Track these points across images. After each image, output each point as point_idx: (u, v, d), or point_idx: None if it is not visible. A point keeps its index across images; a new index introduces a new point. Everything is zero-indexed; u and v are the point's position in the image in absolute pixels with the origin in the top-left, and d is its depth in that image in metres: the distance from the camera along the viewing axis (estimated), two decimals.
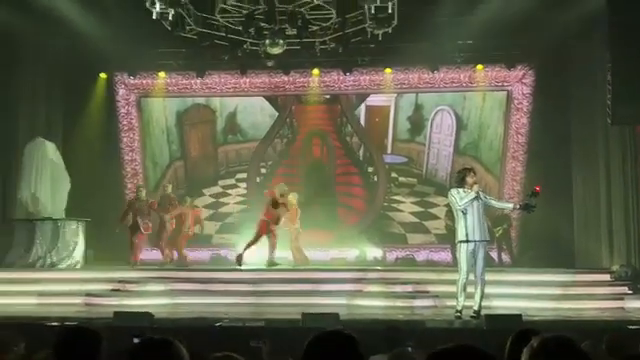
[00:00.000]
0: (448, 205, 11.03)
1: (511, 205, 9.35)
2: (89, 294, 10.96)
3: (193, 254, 16.35)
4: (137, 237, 14.06)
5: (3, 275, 12.17)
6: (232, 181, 17.61)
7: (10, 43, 14.27)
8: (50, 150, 14.00)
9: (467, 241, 8.54)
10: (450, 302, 9.38)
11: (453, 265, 11.20)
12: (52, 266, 13.18)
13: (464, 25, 14.72)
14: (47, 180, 13.76)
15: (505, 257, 15.35)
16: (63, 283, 11.77)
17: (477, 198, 8.53)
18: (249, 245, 13.41)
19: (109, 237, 14.92)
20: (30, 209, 13.69)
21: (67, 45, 15.51)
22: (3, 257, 13.46)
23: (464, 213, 8.54)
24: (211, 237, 17.27)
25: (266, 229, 13.39)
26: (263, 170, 17.61)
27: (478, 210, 8.54)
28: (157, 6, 12.37)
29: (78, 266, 13.69)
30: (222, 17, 13.35)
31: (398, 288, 11.18)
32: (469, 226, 8.52)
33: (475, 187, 8.55)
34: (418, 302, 10.40)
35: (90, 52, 15.39)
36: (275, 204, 13.48)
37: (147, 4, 12.47)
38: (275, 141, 17.59)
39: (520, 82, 16.35)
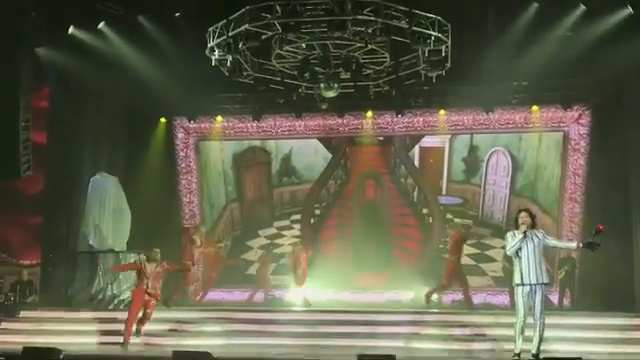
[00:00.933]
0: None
1: (574, 244, 9.13)
2: (148, 334, 11.14)
3: (248, 294, 16.52)
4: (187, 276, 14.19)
5: (65, 314, 12.51)
6: (287, 222, 17.77)
7: (76, 87, 14.86)
8: (112, 184, 14.41)
9: (522, 284, 8.44)
10: (508, 345, 9.23)
11: (511, 308, 11.05)
12: (113, 298, 13.44)
13: (518, 66, 14.74)
14: (110, 213, 14.17)
15: (565, 300, 15.01)
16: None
17: (526, 239, 8.40)
18: None
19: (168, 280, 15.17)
20: (93, 242, 14.07)
21: (129, 90, 16.10)
22: (66, 289, 13.84)
23: (518, 255, 8.47)
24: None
25: None
26: (317, 211, 17.73)
27: (533, 252, 8.42)
28: (216, 53, 12.79)
29: None
30: (278, 62, 13.69)
31: (455, 331, 11.06)
32: (524, 268, 8.42)
33: (522, 227, 8.47)
34: (476, 345, 10.28)
35: (151, 97, 15.95)
36: None
37: (206, 51, 12.89)
38: (329, 183, 17.72)
39: (577, 122, 16.17)
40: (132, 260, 13.39)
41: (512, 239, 8.47)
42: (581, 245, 8.74)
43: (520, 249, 8.42)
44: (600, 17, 13.00)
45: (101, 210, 14.05)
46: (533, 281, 8.37)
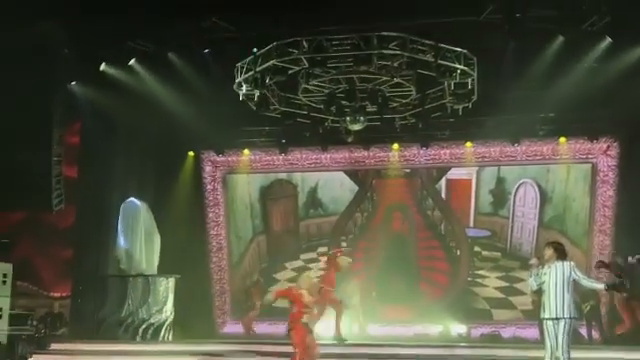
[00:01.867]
0: None
1: (601, 286, 8.94)
2: None
3: (275, 328, 16.49)
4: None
5: (94, 347, 12.59)
6: (314, 255, 17.77)
7: (107, 123, 15.15)
8: (143, 209, 14.58)
9: (545, 318, 8.38)
10: None
11: (541, 342, 10.90)
12: (143, 322, 13.53)
13: (545, 98, 14.77)
14: (141, 237, 14.31)
15: (595, 334, 14.77)
16: (152, 356, 12.05)
17: (550, 274, 8.31)
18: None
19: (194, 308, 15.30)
20: (124, 265, 14.22)
21: (159, 125, 16.36)
22: (97, 313, 13.98)
23: (542, 289, 8.41)
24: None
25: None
26: (344, 244, 17.68)
27: (555, 285, 8.29)
28: (244, 88, 12.99)
29: (169, 320, 14.02)
30: (305, 96, 13.84)
31: None
32: (546, 302, 8.32)
33: (533, 261, 8.42)
34: None
35: (179, 132, 16.22)
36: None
37: (234, 86, 13.09)
38: (356, 215, 17.74)
39: (605, 154, 16.07)
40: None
41: (535, 274, 8.44)
42: (607, 287, 8.61)
43: (543, 282, 8.35)
44: (626, 49, 12.99)
45: (132, 234, 14.22)
46: (554, 315, 8.25)
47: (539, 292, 8.75)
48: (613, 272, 8.69)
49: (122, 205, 14.59)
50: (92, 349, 12.47)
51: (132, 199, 14.65)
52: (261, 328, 16.95)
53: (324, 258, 13.62)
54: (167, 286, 14.16)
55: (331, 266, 12.89)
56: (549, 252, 8.42)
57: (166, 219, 15.75)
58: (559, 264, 8.33)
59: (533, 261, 8.41)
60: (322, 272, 13.21)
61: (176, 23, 13.46)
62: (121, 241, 14.26)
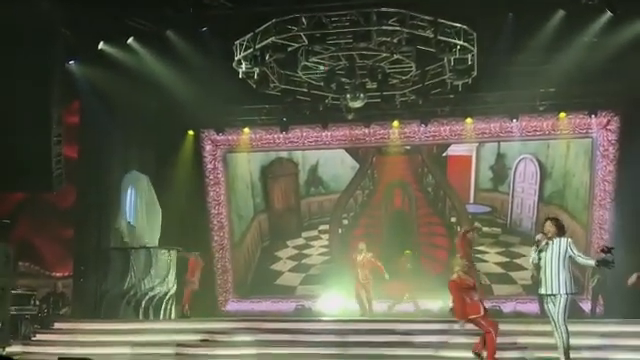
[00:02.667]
0: None
1: (592, 262, 8.93)
2: (180, 344, 11.26)
3: (277, 305, 16.62)
4: None
5: (97, 326, 12.70)
6: (315, 233, 17.85)
7: (106, 102, 15.10)
8: (144, 182, 14.61)
9: (541, 294, 8.47)
10: (538, 353, 9.19)
11: (541, 316, 10.99)
12: (145, 294, 13.66)
13: (545, 73, 14.72)
14: (143, 210, 14.38)
15: (598, 308, 14.86)
16: (155, 334, 12.14)
17: (547, 249, 8.34)
18: None
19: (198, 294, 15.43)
20: (126, 238, 14.32)
21: (158, 104, 16.35)
22: (99, 286, 14.08)
23: (540, 265, 8.44)
24: (295, 289, 17.47)
25: None
26: (345, 222, 17.78)
27: (551, 261, 8.32)
28: (243, 66, 12.95)
29: (172, 292, 14.13)
30: (304, 74, 13.80)
31: None
32: (542, 278, 8.40)
33: (544, 237, 8.41)
34: (506, 354, 10.20)
35: (179, 110, 16.21)
36: None
37: (233, 64, 13.05)
38: (356, 192, 17.77)
39: (605, 129, 16.06)
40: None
41: (533, 250, 8.47)
42: (596, 264, 8.64)
43: (540, 259, 8.39)
44: (627, 23, 12.92)
45: (135, 206, 14.30)
46: (550, 291, 8.33)
47: (537, 267, 8.79)
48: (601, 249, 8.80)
49: (124, 178, 14.62)
50: (95, 328, 12.58)
51: (134, 171, 14.67)
52: (264, 306, 17.09)
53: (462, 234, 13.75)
54: (169, 258, 14.23)
55: (465, 242, 13.30)
56: (553, 228, 8.45)
57: (167, 198, 15.78)
58: (556, 240, 8.38)
59: (539, 236, 8.44)
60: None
61: (174, 1, 13.37)
62: (124, 213, 14.30)
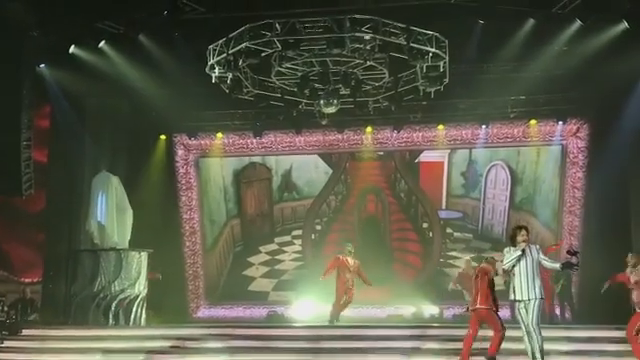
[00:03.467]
0: None
1: (558, 265, 9.08)
2: (150, 351, 11.15)
3: (249, 311, 16.56)
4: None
5: (66, 332, 12.52)
6: (288, 238, 17.83)
7: (77, 106, 14.98)
8: (114, 182, 14.46)
9: (515, 300, 8.55)
10: (510, 359, 9.24)
11: (512, 322, 11.07)
12: (115, 296, 13.50)
13: (515, 81, 14.90)
14: (112, 211, 14.21)
15: (567, 313, 15.03)
16: (125, 340, 12.01)
17: (523, 256, 8.47)
18: None
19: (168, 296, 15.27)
20: (96, 240, 14.13)
21: (130, 108, 16.22)
22: (69, 288, 13.90)
23: (513, 272, 8.54)
24: (267, 294, 17.43)
25: None
26: (318, 227, 17.79)
27: (526, 268, 8.47)
28: (216, 70, 12.89)
29: (142, 294, 13.99)
30: (278, 79, 13.79)
31: (456, 345, 11.05)
32: (516, 285, 8.51)
33: (520, 245, 8.53)
34: (477, 359, 10.26)
35: (151, 115, 16.11)
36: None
37: (206, 69, 13.00)
38: (330, 198, 17.81)
39: (575, 136, 16.29)
40: None
41: (509, 255, 8.53)
42: (561, 267, 8.78)
43: (514, 266, 8.50)
44: (596, 32, 13.11)
45: (105, 206, 14.12)
46: (525, 297, 8.45)
47: (509, 274, 8.88)
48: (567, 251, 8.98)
49: (94, 178, 14.46)
50: (64, 334, 12.40)
51: (104, 171, 14.51)
52: (236, 312, 17.04)
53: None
54: (140, 260, 14.09)
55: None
56: (524, 236, 8.57)
57: (138, 203, 15.64)
58: (527, 247, 8.50)
59: (524, 245, 8.52)
60: None
61: (147, 4, 13.29)
62: (94, 213, 14.13)
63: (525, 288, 8.43)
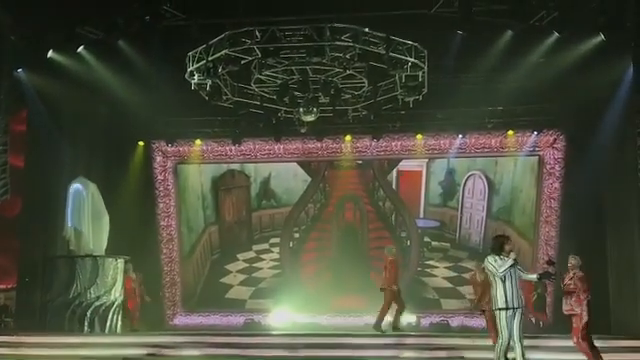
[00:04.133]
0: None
1: (534, 276, 9.16)
2: (126, 358, 11.06)
3: (227, 319, 16.50)
4: None
5: (42, 339, 12.37)
6: (266, 246, 17.80)
7: (55, 111, 14.85)
8: (91, 188, 14.33)
9: (507, 308, 8.58)
10: None
11: (488, 331, 11.15)
12: (91, 303, 13.36)
13: (493, 92, 15.04)
14: (89, 217, 14.07)
15: (541, 322, 15.15)
16: (101, 347, 11.90)
17: (514, 265, 8.58)
18: None
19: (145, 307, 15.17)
20: (72, 246, 13.98)
21: (108, 114, 16.13)
22: (45, 294, 13.74)
23: (502, 280, 8.59)
24: (245, 302, 17.37)
25: None
26: (296, 235, 17.78)
27: (514, 277, 8.58)
28: (195, 77, 12.88)
29: (118, 301, 13.87)
30: (258, 87, 13.81)
31: (433, 354, 11.10)
32: (508, 293, 8.55)
33: (512, 255, 8.61)
34: None
35: (129, 121, 16.02)
36: None
37: (186, 75, 12.97)
38: (308, 206, 17.81)
39: (551, 147, 16.46)
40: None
41: (502, 263, 8.56)
42: (538, 277, 8.87)
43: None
44: (573, 44, 13.28)
45: (80, 213, 13.98)
46: (516, 305, 8.51)
47: (485, 284, 8.94)
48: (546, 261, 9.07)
49: (71, 185, 14.33)
50: (39, 341, 12.25)
51: (81, 177, 14.39)
52: (213, 320, 16.96)
53: None
54: (116, 267, 13.97)
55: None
56: (511, 245, 8.66)
57: (115, 209, 15.52)
58: (514, 258, 8.58)
59: (514, 255, 8.60)
60: None
61: (126, 10, 13.24)
62: (69, 220, 14.00)
63: (516, 296, 8.52)
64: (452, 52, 13.81)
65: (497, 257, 8.65)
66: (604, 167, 15.00)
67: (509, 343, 8.58)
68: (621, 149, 14.00)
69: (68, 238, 14.03)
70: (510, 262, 8.54)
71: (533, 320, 14.88)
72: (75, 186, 14.27)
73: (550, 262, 8.77)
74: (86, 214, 14.05)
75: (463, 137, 16.58)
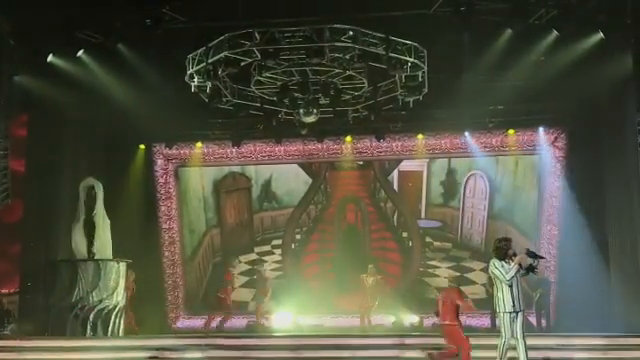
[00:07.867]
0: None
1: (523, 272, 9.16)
2: None
3: (229, 321, 16.44)
4: None
5: (44, 343, 12.38)
6: (268, 248, 17.80)
7: (55, 115, 14.87)
8: (101, 188, 14.26)
9: (514, 311, 8.61)
10: None
11: (491, 330, 11.14)
12: (94, 307, 13.34)
13: (494, 91, 15.02)
14: (100, 218, 14.05)
15: (543, 321, 15.12)
16: (103, 351, 11.90)
17: (519, 270, 8.60)
18: None
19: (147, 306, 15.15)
20: (76, 250, 13.95)
21: (108, 117, 16.14)
22: (47, 299, 13.74)
23: (509, 285, 8.62)
24: (247, 304, 17.34)
25: None
26: (298, 236, 17.78)
27: (518, 280, 8.64)
28: (195, 80, 12.87)
29: (120, 305, 13.84)
30: (257, 89, 13.79)
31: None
32: (515, 296, 8.60)
33: (517, 259, 8.62)
34: None
35: (130, 124, 16.01)
36: None
37: (186, 78, 12.97)
38: (310, 207, 17.80)
39: (552, 146, 16.43)
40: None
41: (508, 269, 8.57)
42: (522, 271, 8.86)
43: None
44: (572, 42, 13.26)
45: (87, 218, 13.97)
46: (517, 308, 8.58)
47: (489, 285, 8.99)
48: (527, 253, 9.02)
49: (81, 184, 14.27)
50: (42, 345, 12.25)
51: (90, 178, 14.35)
52: (215, 322, 16.89)
53: None
54: (118, 271, 13.95)
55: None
56: (512, 248, 8.71)
57: (117, 213, 15.52)
58: (518, 262, 8.61)
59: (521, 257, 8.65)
60: None
61: (126, 14, 13.24)
62: (76, 223, 13.96)
63: (521, 299, 8.61)
64: (452, 52, 13.78)
65: (503, 262, 8.67)
66: (606, 164, 14.99)
67: (509, 341, 8.61)
68: (622, 147, 13.97)
69: (72, 242, 13.99)
70: (515, 268, 8.58)
71: (534, 320, 14.86)
72: (85, 185, 14.19)
73: (530, 254, 8.73)
74: (99, 214, 14.05)
75: (464, 136, 16.57)
